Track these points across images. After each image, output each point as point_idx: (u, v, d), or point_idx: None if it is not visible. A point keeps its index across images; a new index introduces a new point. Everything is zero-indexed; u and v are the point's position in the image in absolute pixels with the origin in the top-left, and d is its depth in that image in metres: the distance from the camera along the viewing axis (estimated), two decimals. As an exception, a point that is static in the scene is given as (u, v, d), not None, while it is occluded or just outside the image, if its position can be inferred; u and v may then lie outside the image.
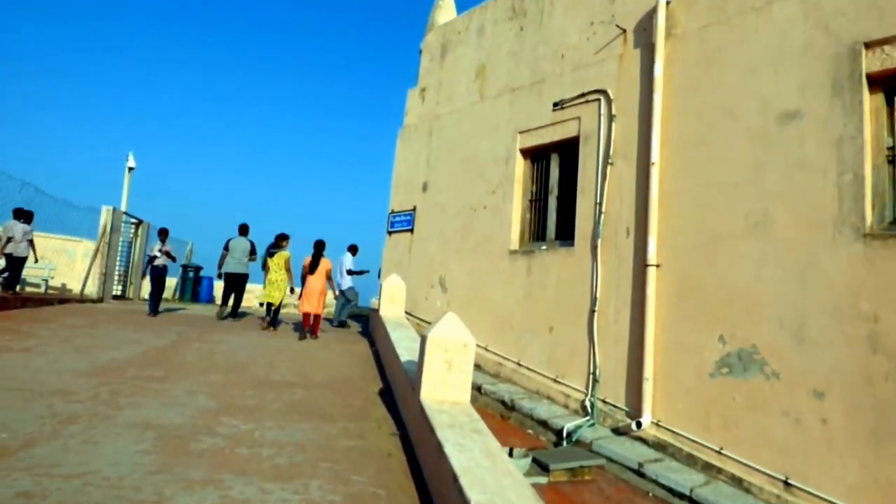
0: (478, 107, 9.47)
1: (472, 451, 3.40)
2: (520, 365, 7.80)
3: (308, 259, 9.88)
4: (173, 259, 11.22)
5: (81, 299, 11.50)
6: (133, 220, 14.49)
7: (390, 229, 11.23)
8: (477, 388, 7.32)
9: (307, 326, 9.46)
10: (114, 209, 12.61)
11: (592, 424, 6.56)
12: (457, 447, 3.42)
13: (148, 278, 10.97)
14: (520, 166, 8.56)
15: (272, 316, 10.27)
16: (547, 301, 7.67)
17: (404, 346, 6.20)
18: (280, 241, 10.23)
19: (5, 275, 10.46)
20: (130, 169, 21.09)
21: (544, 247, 8.00)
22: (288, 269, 10.08)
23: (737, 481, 5.38)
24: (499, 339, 8.17)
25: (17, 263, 10.18)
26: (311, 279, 9.65)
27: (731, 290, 5.74)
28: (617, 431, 6.49)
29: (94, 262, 12.29)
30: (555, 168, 8.19)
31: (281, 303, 10.42)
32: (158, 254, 10.77)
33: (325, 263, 9.86)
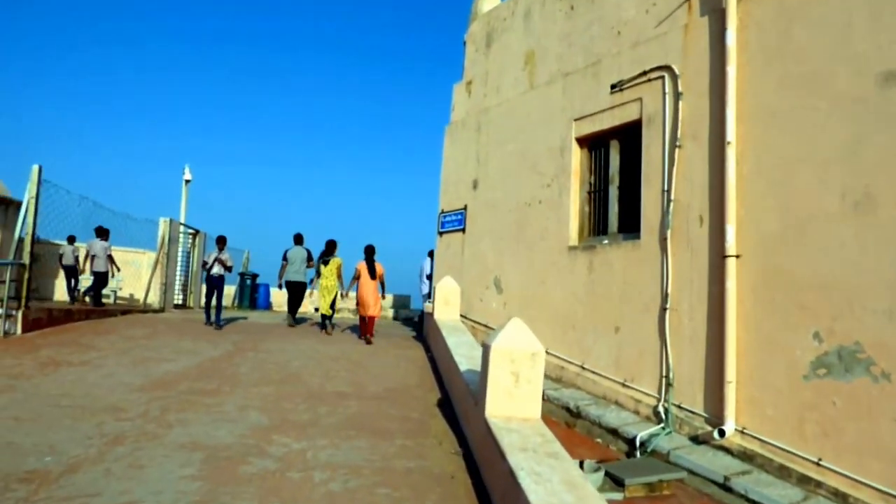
0: (528, 96, 9.01)
1: (550, 482, 2.96)
2: (584, 368, 7.29)
3: (362, 264, 9.91)
4: (228, 269, 10.82)
5: (144, 309, 11.78)
6: (190, 231, 14.79)
7: (441, 230, 10.91)
8: (539, 395, 6.89)
9: (363, 329, 9.65)
10: (171, 220, 12.86)
11: (669, 433, 5.99)
12: (532, 476, 2.99)
13: (205, 287, 11.04)
14: (576, 156, 8.06)
15: (327, 320, 10.64)
16: (611, 299, 7.14)
17: (463, 354, 5.82)
18: (332, 248, 10.46)
19: (92, 291, 11.62)
20: (187, 181, 21.75)
21: (606, 241, 7.47)
22: (339, 275, 10.34)
23: (841, 497, 4.74)
24: (560, 341, 7.69)
25: (98, 278, 11.36)
26: (366, 283, 9.69)
27: (826, 279, 5.08)
28: (696, 440, 5.91)
29: (155, 273, 12.55)
30: (615, 156, 7.65)
31: (335, 307, 10.74)
32: (210, 261, 10.46)
33: (378, 268, 9.89)
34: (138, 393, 5.41)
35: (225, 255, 10.54)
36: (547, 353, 7.66)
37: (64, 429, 4.36)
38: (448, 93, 11.34)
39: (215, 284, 10.38)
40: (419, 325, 13.68)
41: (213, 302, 10.39)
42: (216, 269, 10.36)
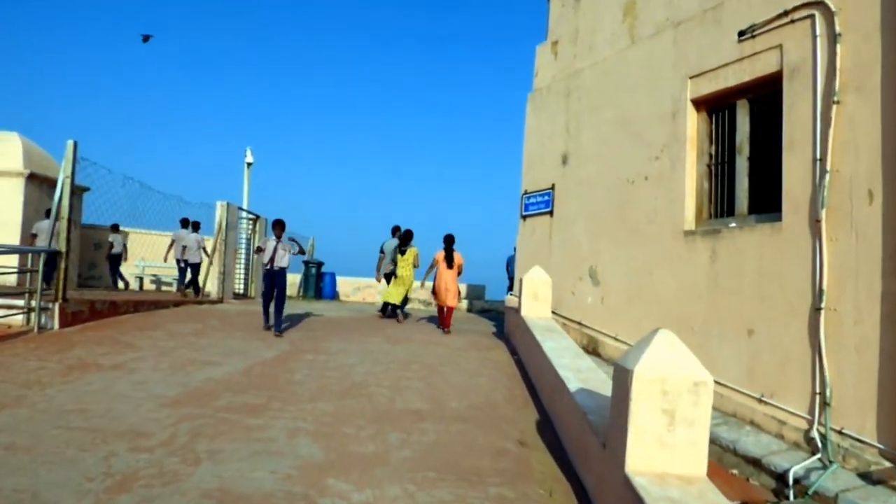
0: (629, 53, 7.80)
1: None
2: (707, 379, 6.15)
3: (440, 253, 9.72)
4: (301, 252, 9.40)
5: (199, 301, 11.39)
6: (251, 216, 14.42)
7: (524, 213, 9.89)
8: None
9: (441, 321, 9.65)
10: (228, 204, 12.43)
11: (835, 469, 4.79)
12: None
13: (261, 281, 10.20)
14: (692, 121, 6.82)
15: (400, 310, 10.76)
16: (742, 295, 5.94)
17: (568, 366, 4.80)
18: (409, 237, 10.41)
19: (191, 284, 12.33)
20: (249, 164, 21.67)
21: (734, 224, 6.25)
22: (416, 265, 10.31)
23: None
24: (674, 345, 6.57)
25: (195, 270, 12.23)
26: (443, 273, 9.55)
27: None
28: (869, 478, 4.70)
29: (213, 261, 12.19)
30: (743, 119, 6.38)
31: (408, 298, 10.84)
32: (269, 251, 8.42)
33: (457, 257, 9.67)
34: (168, 409, 4.63)
35: (286, 245, 8.65)
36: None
37: (62, 464, 3.54)
38: (529, 56, 10.25)
39: (276, 281, 8.40)
40: (502, 319, 12.77)
41: (273, 304, 8.47)
42: (278, 260, 8.41)
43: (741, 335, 5.90)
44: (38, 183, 13.93)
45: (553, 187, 9.10)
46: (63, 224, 7.79)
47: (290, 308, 13.03)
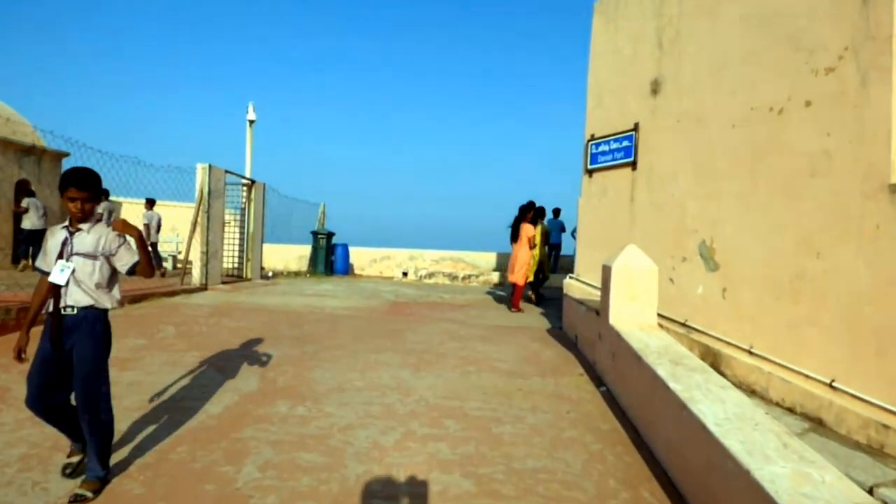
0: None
1: None
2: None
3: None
4: (146, 253, 4.97)
5: (173, 291, 9.14)
6: (244, 181, 12.16)
7: (590, 166, 7.46)
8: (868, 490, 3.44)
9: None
10: (210, 167, 10.11)
11: None
12: None
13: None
14: (898, 5, 4.28)
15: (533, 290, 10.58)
16: None
17: (781, 480, 2.33)
18: (537, 213, 10.01)
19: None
20: (251, 122, 19.42)
21: None
22: (532, 245, 9.49)
23: None
24: (868, 372, 4.19)
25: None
26: (514, 247, 9.43)
27: None
28: None
29: (193, 238, 10.00)
30: None
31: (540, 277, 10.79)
32: (48, 248, 3.12)
33: (524, 230, 9.23)
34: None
35: (105, 238, 3.03)
36: (831, 387, 4.17)
37: None
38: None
39: (75, 350, 2.95)
40: (549, 300, 10.46)
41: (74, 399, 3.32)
42: (75, 293, 2.95)
43: None
44: (2, 148, 11.93)
45: (636, 128, 6.63)
46: None
47: (285, 292, 10.62)
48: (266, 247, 18.99)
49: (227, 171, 10.83)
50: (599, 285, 5.61)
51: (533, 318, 8.71)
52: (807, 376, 4.56)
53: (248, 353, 5.77)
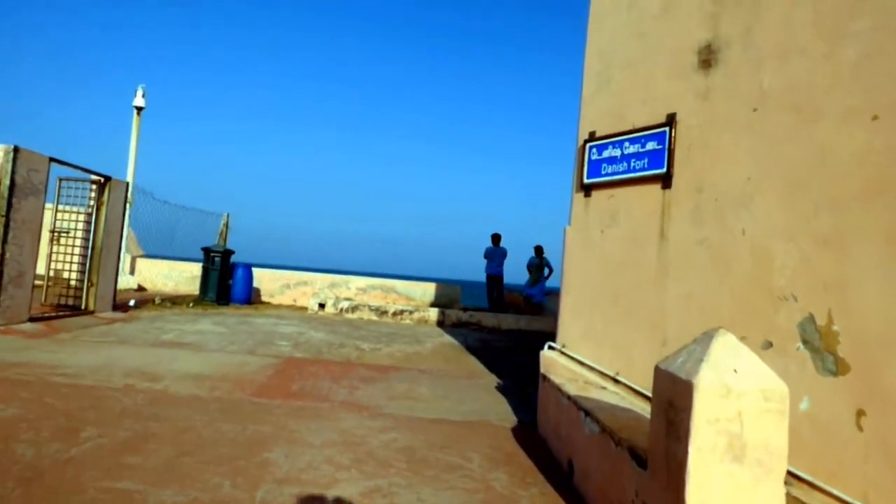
0: None
1: None
2: None
3: None
4: None
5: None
6: (93, 177, 9.09)
7: (588, 179, 5.07)
8: None
9: None
10: (16, 149, 7.11)
11: None
12: None
13: None
14: None
15: None
16: None
17: None
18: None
19: None
20: (139, 109, 16.29)
21: None
22: None
23: None
24: None
25: None
26: None
27: None
28: None
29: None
30: None
31: None
32: None
33: None
34: None
35: None
36: None
37: None
38: None
39: None
40: (495, 351, 7.96)
41: None
42: None
43: None
44: None
45: (672, 121, 4.30)
46: None
47: (127, 340, 6.17)
48: (147, 263, 15.75)
49: (55, 160, 7.82)
50: (599, 365, 3.19)
51: (471, 372, 6.17)
52: None
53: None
